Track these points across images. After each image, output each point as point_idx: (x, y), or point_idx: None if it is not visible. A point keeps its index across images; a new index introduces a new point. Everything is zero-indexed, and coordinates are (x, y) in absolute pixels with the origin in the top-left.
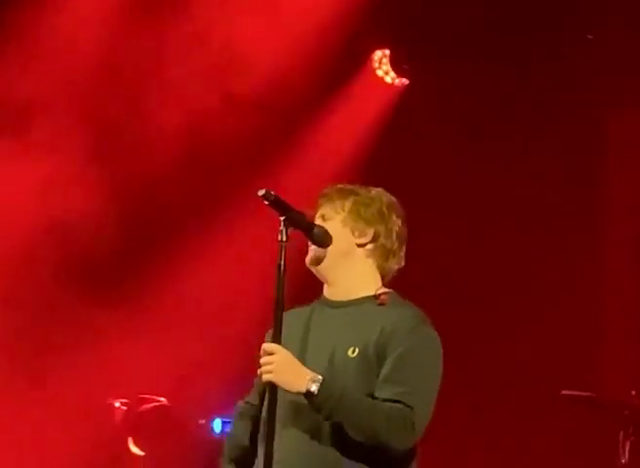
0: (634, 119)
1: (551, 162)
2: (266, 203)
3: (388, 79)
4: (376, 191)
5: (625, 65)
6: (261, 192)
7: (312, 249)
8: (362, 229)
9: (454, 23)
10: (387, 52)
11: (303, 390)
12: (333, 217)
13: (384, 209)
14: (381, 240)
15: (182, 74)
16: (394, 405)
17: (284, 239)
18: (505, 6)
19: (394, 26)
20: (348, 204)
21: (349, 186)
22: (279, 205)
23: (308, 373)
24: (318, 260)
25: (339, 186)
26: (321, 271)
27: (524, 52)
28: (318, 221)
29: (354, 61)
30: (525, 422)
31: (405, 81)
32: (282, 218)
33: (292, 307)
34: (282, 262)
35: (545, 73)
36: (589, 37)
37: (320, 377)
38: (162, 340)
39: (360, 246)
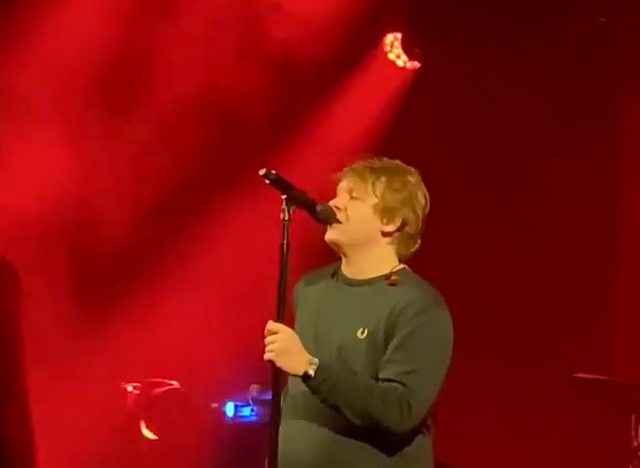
0: None
1: (565, 143)
2: (267, 182)
3: (400, 62)
4: (406, 170)
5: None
6: (262, 172)
7: (334, 229)
8: (391, 217)
9: (465, 6)
10: (399, 35)
11: (301, 373)
12: (363, 198)
13: (415, 191)
14: (407, 229)
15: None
16: (391, 385)
17: (286, 218)
18: None
19: (406, 10)
20: (380, 187)
21: (380, 162)
22: (280, 184)
23: (306, 356)
24: (339, 242)
25: (370, 163)
26: (341, 250)
27: (537, 35)
28: (342, 196)
29: (366, 45)
30: (537, 405)
31: (417, 64)
32: (284, 197)
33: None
34: (285, 241)
35: (559, 57)
36: (601, 20)
37: (317, 360)
38: (174, 324)
39: (385, 234)
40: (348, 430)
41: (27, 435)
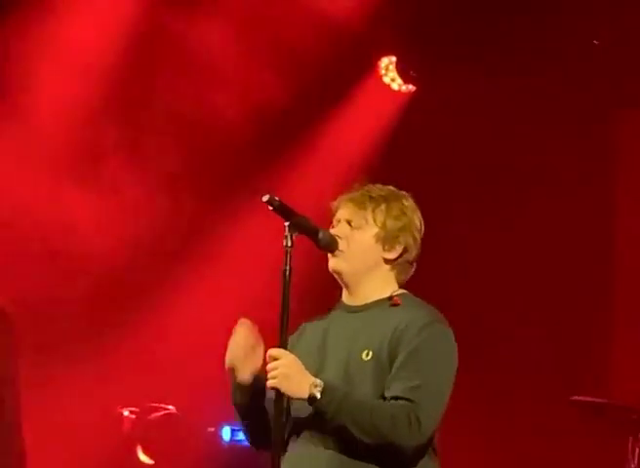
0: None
1: (560, 165)
2: (270, 208)
3: (395, 86)
4: (401, 196)
5: (632, 68)
6: (265, 198)
7: (337, 257)
8: (392, 244)
9: (460, 30)
10: (394, 58)
11: (306, 396)
12: (363, 228)
13: (412, 217)
14: (406, 255)
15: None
16: (398, 402)
17: (289, 244)
18: (512, 13)
19: (401, 33)
20: (381, 215)
21: (376, 190)
22: (283, 210)
23: (310, 379)
24: (342, 271)
25: (369, 191)
26: (343, 278)
27: (531, 58)
28: (342, 225)
29: (360, 68)
30: (534, 428)
31: (412, 88)
32: (286, 224)
33: (310, 316)
34: (287, 268)
35: (553, 79)
36: (595, 43)
37: (321, 382)
38: (170, 348)
39: (387, 261)
40: (354, 452)
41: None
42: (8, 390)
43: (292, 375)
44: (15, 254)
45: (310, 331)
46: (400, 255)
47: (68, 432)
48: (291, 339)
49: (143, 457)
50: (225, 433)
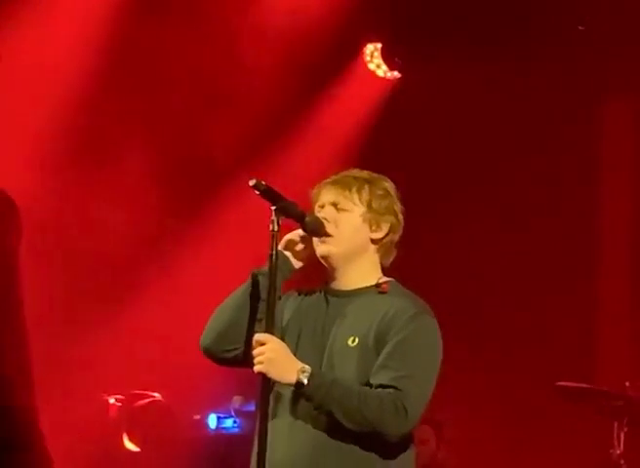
0: (627, 106)
1: (547, 151)
2: (257, 193)
3: (380, 73)
4: (382, 178)
5: (617, 54)
6: (252, 182)
7: (326, 243)
8: (379, 224)
9: (445, 16)
10: (379, 45)
11: (293, 381)
12: (350, 209)
13: (394, 198)
14: (392, 234)
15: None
16: (385, 390)
17: (276, 229)
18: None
19: (386, 20)
20: (366, 195)
21: (357, 173)
22: (270, 195)
23: (298, 364)
24: (332, 255)
25: (350, 173)
26: (332, 263)
27: (517, 45)
28: (328, 209)
29: (345, 55)
30: (520, 414)
31: (397, 74)
32: (273, 208)
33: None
34: (274, 252)
35: (538, 66)
36: (580, 28)
37: (309, 368)
38: (156, 335)
39: (374, 241)
40: (338, 435)
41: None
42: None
43: (278, 360)
44: None
45: (294, 307)
46: (386, 235)
47: (53, 420)
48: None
49: (129, 445)
50: (211, 421)
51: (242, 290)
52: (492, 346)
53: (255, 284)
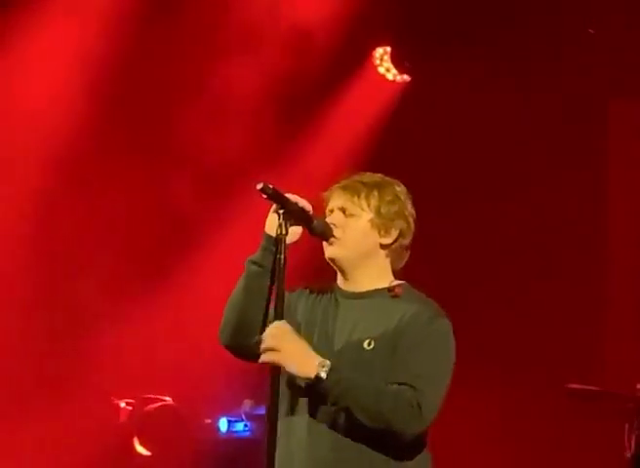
0: (634, 109)
1: (554, 154)
2: (264, 196)
3: (390, 76)
4: (393, 182)
5: (625, 57)
6: (259, 186)
7: (333, 245)
8: (388, 229)
9: (454, 20)
10: (388, 49)
11: (313, 375)
12: (358, 214)
13: (405, 202)
14: (401, 239)
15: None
16: (401, 387)
17: (283, 232)
18: (506, 3)
19: (395, 23)
20: (374, 201)
21: (368, 177)
22: (277, 198)
23: (318, 358)
24: (339, 258)
25: (361, 178)
26: (340, 266)
27: (525, 46)
28: (336, 214)
29: (355, 59)
30: (530, 416)
31: (406, 78)
32: (281, 212)
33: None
34: (282, 256)
35: (547, 69)
36: (591, 31)
37: (328, 362)
38: (167, 340)
39: (383, 246)
40: (353, 432)
41: None
42: None
43: (297, 353)
44: None
45: (304, 304)
46: (395, 240)
47: (65, 424)
48: (290, 297)
49: (140, 448)
50: (222, 424)
51: (241, 282)
52: (501, 349)
53: (251, 274)
